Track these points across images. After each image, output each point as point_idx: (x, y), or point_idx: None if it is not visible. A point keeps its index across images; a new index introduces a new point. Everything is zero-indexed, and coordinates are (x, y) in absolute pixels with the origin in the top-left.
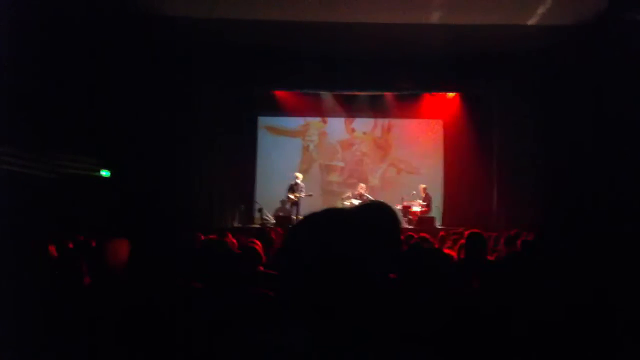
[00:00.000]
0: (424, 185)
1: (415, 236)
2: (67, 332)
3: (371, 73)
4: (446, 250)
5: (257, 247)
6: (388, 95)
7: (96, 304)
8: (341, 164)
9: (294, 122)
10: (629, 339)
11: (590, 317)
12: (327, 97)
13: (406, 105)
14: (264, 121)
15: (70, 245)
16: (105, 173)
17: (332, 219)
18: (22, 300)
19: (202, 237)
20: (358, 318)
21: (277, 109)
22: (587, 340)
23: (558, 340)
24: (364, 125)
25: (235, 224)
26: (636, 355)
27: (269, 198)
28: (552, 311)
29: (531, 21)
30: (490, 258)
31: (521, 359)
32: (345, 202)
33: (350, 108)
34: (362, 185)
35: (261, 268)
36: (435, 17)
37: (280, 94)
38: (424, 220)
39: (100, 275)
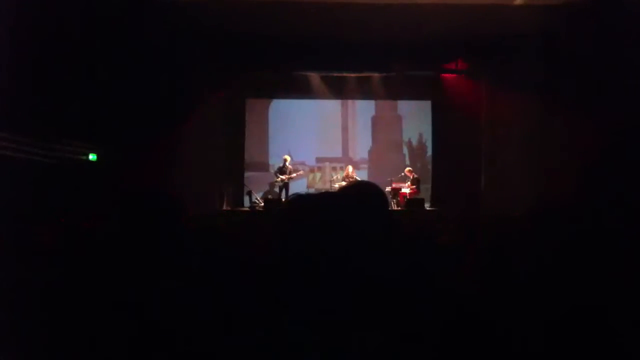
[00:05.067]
0: (409, 168)
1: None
2: (55, 323)
3: (360, 54)
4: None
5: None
6: (376, 76)
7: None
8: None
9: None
10: (629, 338)
11: (586, 314)
12: (315, 78)
13: (394, 86)
14: (253, 103)
15: (60, 230)
16: (92, 157)
17: (320, 206)
18: (13, 290)
19: (191, 220)
20: (353, 308)
21: (268, 91)
22: (582, 338)
23: (552, 335)
24: (353, 105)
25: (225, 207)
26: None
27: (259, 180)
28: (544, 302)
29: (518, 1)
30: (479, 242)
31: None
32: (335, 185)
33: (339, 89)
34: (350, 167)
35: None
36: None
37: (270, 75)
38: (413, 202)
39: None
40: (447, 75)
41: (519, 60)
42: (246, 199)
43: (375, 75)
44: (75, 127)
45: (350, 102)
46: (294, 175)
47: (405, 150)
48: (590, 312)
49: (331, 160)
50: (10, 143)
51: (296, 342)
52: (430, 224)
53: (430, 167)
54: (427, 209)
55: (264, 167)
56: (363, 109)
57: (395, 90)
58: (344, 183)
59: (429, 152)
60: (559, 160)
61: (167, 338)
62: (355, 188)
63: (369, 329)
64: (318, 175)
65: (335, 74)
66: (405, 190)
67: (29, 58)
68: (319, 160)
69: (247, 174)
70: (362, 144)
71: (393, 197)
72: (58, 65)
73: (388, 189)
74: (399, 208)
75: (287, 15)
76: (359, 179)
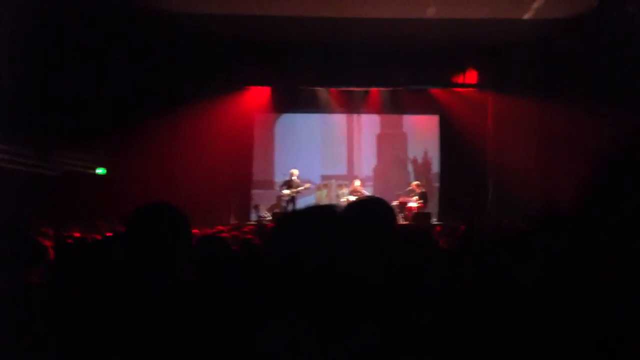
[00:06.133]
0: (416, 182)
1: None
2: (60, 327)
3: (367, 69)
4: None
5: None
6: (384, 91)
7: (89, 301)
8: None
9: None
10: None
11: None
12: (323, 92)
13: (402, 101)
14: (260, 117)
15: (69, 242)
16: (101, 171)
17: (321, 216)
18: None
19: (199, 233)
20: (349, 314)
21: (274, 105)
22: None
23: (552, 337)
24: (359, 121)
25: (232, 221)
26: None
27: (265, 197)
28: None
29: (527, 15)
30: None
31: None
32: (342, 199)
33: (346, 104)
34: (358, 181)
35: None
36: (431, 12)
37: (277, 89)
38: (419, 216)
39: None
40: (455, 89)
41: (526, 71)
42: (253, 213)
43: (383, 89)
44: (82, 140)
45: (355, 118)
46: (301, 188)
47: (410, 168)
48: (590, 313)
49: (337, 177)
50: (18, 157)
51: (296, 343)
52: (434, 230)
53: (435, 184)
54: (434, 222)
55: (270, 185)
56: (368, 126)
57: (403, 105)
58: (351, 197)
59: (434, 170)
60: (566, 170)
61: (168, 339)
62: (363, 202)
63: (368, 328)
64: (324, 192)
65: (342, 88)
66: (413, 204)
67: (31, 70)
68: (324, 178)
69: (253, 192)
70: (367, 162)
71: (400, 212)
72: (62, 78)
73: (395, 203)
74: (406, 222)
75: (294, 30)
76: (366, 193)
